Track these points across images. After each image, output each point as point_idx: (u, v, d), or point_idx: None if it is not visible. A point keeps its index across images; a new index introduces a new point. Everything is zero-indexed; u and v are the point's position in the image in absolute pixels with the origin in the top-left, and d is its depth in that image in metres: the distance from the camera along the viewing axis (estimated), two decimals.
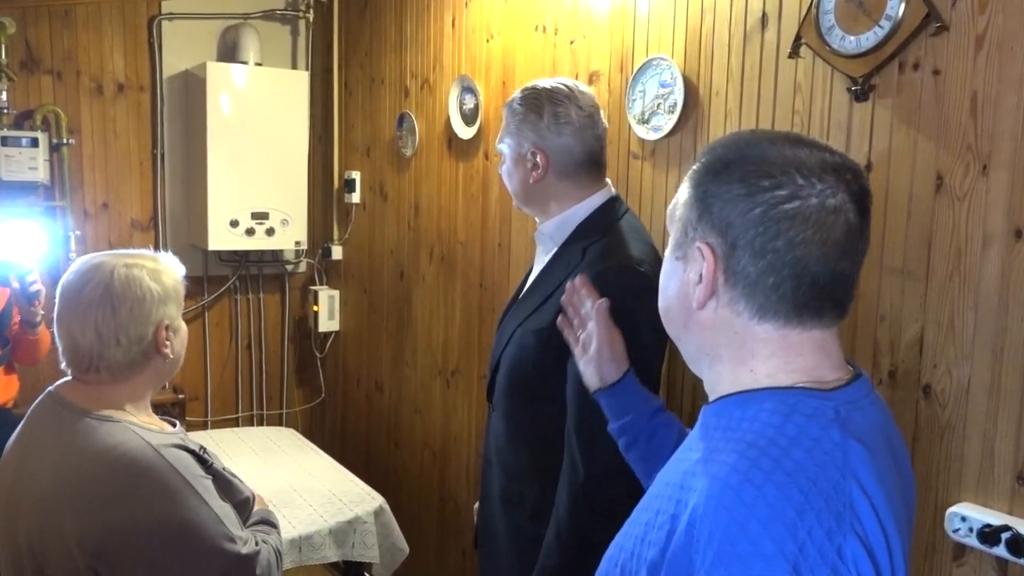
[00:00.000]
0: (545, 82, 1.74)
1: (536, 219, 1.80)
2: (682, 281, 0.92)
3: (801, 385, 0.86)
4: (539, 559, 1.60)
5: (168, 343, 1.44)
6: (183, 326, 1.51)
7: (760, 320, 0.87)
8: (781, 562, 0.72)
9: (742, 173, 0.86)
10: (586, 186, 1.71)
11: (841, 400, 0.85)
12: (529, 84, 1.76)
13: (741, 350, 0.89)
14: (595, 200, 1.71)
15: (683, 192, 0.93)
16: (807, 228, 0.83)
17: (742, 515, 0.75)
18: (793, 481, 0.76)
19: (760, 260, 0.84)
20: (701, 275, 0.89)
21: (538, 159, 1.68)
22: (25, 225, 2.67)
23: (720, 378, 0.91)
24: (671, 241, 0.95)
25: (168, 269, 1.48)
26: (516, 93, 1.75)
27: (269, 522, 1.58)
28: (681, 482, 0.84)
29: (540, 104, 1.69)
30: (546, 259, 1.75)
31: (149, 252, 1.50)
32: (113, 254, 1.46)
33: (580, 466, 1.54)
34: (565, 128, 1.68)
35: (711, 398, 0.93)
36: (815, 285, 0.85)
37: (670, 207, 0.97)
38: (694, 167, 0.93)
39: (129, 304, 1.39)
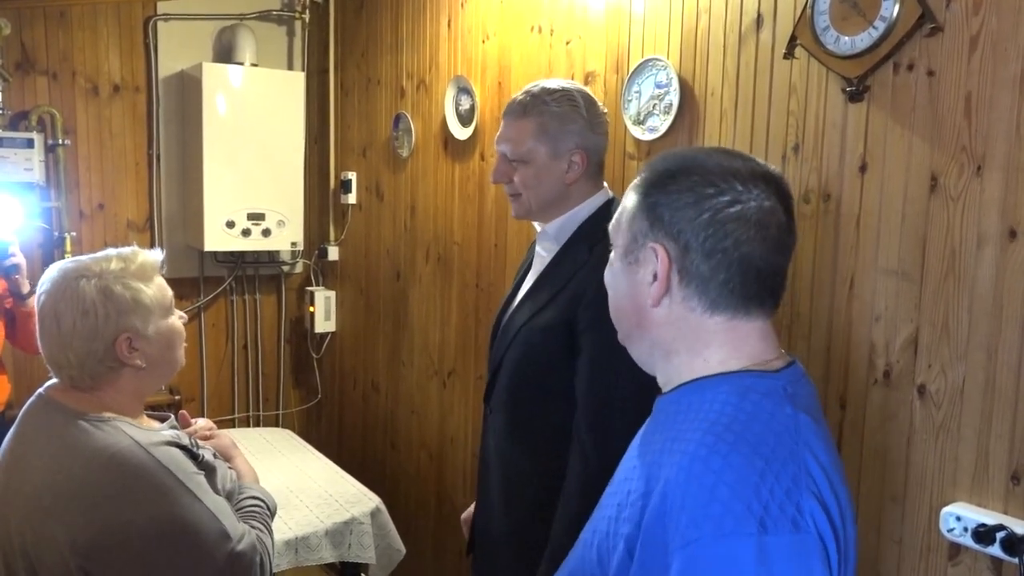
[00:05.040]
0: (554, 83, 1.74)
1: (537, 224, 1.80)
2: (635, 282, 1.00)
3: (749, 369, 0.96)
4: (548, 548, 1.60)
5: (136, 353, 1.39)
6: (165, 330, 1.44)
7: (712, 314, 0.96)
8: (749, 519, 0.82)
9: (689, 183, 0.96)
10: (594, 186, 1.73)
11: (786, 380, 0.96)
12: (538, 86, 1.73)
13: (695, 342, 0.98)
14: (596, 200, 1.73)
15: (629, 204, 1.01)
16: (750, 228, 0.94)
17: (711, 482, 0.84)
18: (755, 450, 0.87)
19: (711, 259, 0.94)
20: (655, 274, 0.97)
21: (576, 159, 1.69)
22: (1, 198, 2.62)
23: (677, 370, 1.00)
24: (620, 248, 1.03)
25: (134, 275, 1.40)
26: (534, 95, 1.71)
27: (259, 499, 1.57)
28: (651, 461, 0.93)
29: (579, 104, 1.70)
30: (548, 258, 1.75)
31: (126, 252, 1.44)
32: (80, 260, 1.41)
33: (592, 458, 1.55)
34: (599, 127, 1.72)
35: (666, 389, 1.02)
36: (759, 278, 0.96)
37: (613, 221, 1.05)
38: (637, 181, 1.02)
39: (71, 320, 1.35)
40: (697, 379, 0.97)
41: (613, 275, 1.05)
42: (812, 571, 0.83)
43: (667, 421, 0.97)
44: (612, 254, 1.05)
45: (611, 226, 1.07)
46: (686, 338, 0.98)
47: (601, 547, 0.96)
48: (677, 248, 0.95)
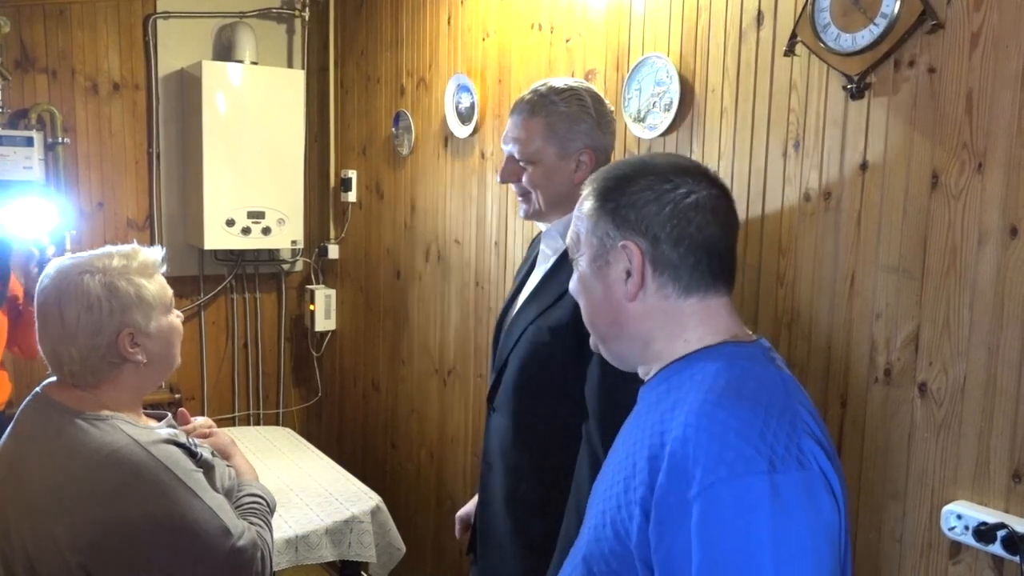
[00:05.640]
0: (560, 81, 1.72)
1: (540, 224, 1.79)
2: (608, 283, 1.07)
3: (727, 341, 1.05)
4: (558, 547, 1.59)
5: (137, 349, 1.40)
6: (165, 327, 1.44)
7: (687, 297, 1.05)
8: (759, 460, 0.90)
9: (647, 183, 1.06)
10: None
11: (762, 348, 1.07)
12: (545, 84, 1.71)
13: (674, 327, 1.06)
14: None
15: (587, 213, 1.09)
16: (707, 213, 1.05)
17: (720, 431, 0.92)
18: (755, 402, 0.96)
19: (680, 246, 1.04)
20: (629, 270, 1.05)
21: (584, 158, 1.68)
22: (35, 201, 2.68)
23: (657, 356, 1.08)
24: (586, 258, 1.10)
25: (136, 272, 1.41)
26: (542, 95, 1.69)
27: (258, 496, 1.57)
28: (651, 432, 1.00)
29: (587, 103, 1.69)
30: (553, 257, 1.74)
31: (127, 250, 1.44)
32: (82, 256, 1.41)
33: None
34: (608, 127, 1.72)
35: (648, 377, 1.09)
36: (721, 257, 1.06)
37: (571, 233, 1.13)
38: (588, 192, 1.11)
39: (76, 315, 1.36)
40: (680, 358, 1.05)
41: (582, 282, 1.11)
42: (820, 502, 0.92)
43: (660, 399, 1.03)
44: (577, 264, 1.12)
45: (569, 239, 1.14)
46: (664, 325, 1.06)
47: (616, 521, 1.00)
48: (646, 242, 1.04)
